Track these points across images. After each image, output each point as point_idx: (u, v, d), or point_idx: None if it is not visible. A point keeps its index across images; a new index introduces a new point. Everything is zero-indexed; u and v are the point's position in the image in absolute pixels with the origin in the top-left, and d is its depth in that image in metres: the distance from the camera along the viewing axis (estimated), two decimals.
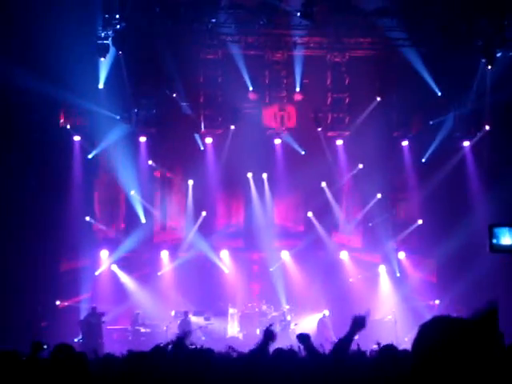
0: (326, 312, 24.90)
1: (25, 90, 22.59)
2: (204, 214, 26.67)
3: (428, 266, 26.69)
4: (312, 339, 8.59)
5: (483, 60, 24.57)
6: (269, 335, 8.67)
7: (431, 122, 26.33)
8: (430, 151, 26.39)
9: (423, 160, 26.57)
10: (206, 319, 24.67)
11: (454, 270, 25.14)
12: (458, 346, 3.01)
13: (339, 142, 26.84)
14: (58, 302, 24.85)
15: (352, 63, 26.11)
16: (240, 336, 24.27)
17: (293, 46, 25.65)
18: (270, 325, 8.96)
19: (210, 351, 6.33)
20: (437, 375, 2.98)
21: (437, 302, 25.52)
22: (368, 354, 9.90)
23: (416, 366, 3.06)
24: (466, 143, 26.37)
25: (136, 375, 5.77)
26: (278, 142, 26.67)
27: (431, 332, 3.11)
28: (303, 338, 8.63)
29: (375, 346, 10.61)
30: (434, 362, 3.01)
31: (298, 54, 25.83)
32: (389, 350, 7.78)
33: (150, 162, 26.50)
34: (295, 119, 26.68)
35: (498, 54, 24.35)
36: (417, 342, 3.13)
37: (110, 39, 24.24)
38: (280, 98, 26.28)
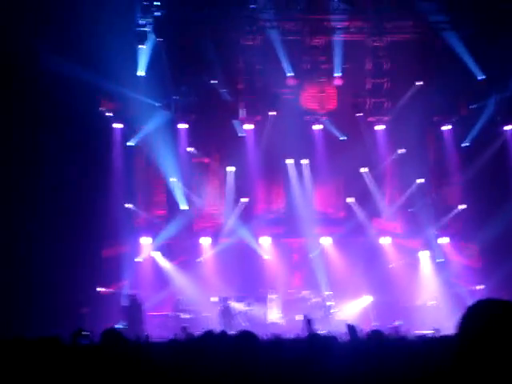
0: (369, 297, 24.90)
1: (65, 77, 22.72)
2: (244, 200, 26.67)
3: (471, 251, 26.45)
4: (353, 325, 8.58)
5: None
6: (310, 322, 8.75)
7: (472, 107, 26.02)
8: (471, 136, 26.12)
9: (464, 145, 26.30)
10: (247, 305, 24.70)
11: (497, 255, 24.90)
12: (505, 328, 2.95)
13: (379, 127, 26.67)
14: (99, 289, 25.05)
15: (392, 48, 25.90)
16: (281, 322, 24.29)
17: (332, 30, 25.53)
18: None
19: (256, 338, 6.31)
20: (484, 358, 2.93)
21: (480, 287, 25.30)
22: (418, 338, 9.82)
23: (462, 349, 3.00)
24: (508, 127, 26.05)
25: (185, 361, 5.78)
26: (317, 127, 26.56)
27: (478, 315, 3.06)
28: (351, 328, 8.69)
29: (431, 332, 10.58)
30: (481, 345, 2.95)
31: (338, 38, 25.68)
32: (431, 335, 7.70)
33: (190, 149, 26.54)
34: (336, 101, 26.54)
35: None
36: (463, 325, 3.07)
37: (149, 26, 24.33)
38: (319, 84, 26.16)
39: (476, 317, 3.06)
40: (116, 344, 6.30)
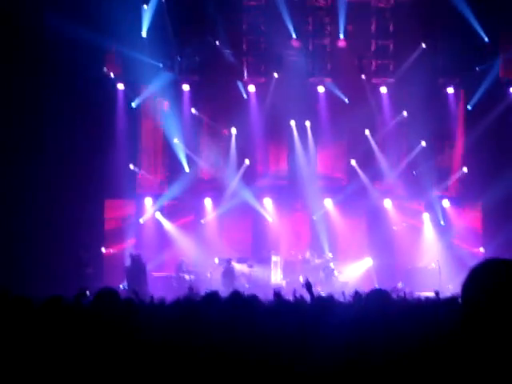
0: (369, 259, 25.03)
1: (69, 38, 22.64)
2: (247, 162, 26.65)
3: (473, 213, 26.48)
4: (356, 287, 8.64)
5: None
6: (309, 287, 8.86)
7: (478, 68, 25.86)
8: (476, 98, 25.98)
9: (469, 107, 26.20)
10: (249, 266, 24.80)
11: (499, 218, 24.98)
12: (510, 287, 2.94)
13: (383, 90, 26.52)
14: (103, 249, 25.19)
15: (397, 9, 25.71)
16: (283, 283, 24.40)
17: None
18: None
19: (258, 299, 6.36)
20: (489, 319, 2.92)
21: (481, 249, 25.38)
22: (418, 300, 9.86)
23: (467, 309, 2.99)
24: None
25: (187, 322, 5.81)
26: (321, 89, 26.45)
27: (483, 275, 3.04)
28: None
29: (432, 294, 10.61)
30: (486, 305, 2.93)
31: None
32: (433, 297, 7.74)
33: (193, 110, 26.48)
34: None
35: None
36: (468, 286, 3.04)
37: None
38: (323, 46, 26.02)
39: (480, 277, 3.03)
40: (108, 305, 6.34)
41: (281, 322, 5.80)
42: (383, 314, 6.60)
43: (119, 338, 5.61)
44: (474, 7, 24.81)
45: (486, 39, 25.18)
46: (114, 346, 5.49)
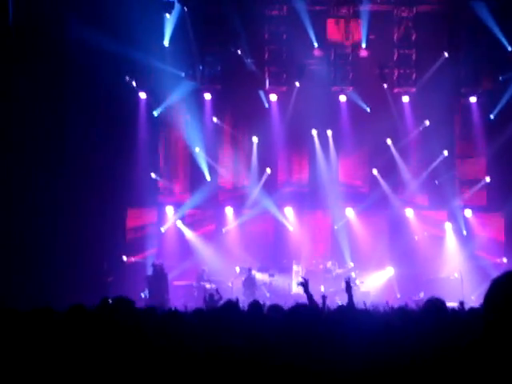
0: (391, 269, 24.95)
1: (92, 46, 22.79)
2: (269, 171, 26.65)
3: (496, 223, 26.30)
4: (377, 297, 8.61)
5: None
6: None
7: (501, 78, 25.73)
8: (498, 108, 25.85)
9: (492, 117, 26.06)
10: (271, 276, 24.76)
11: None
12: None
13: (405, 99, 26.44)
14: (124, 258, 25.25)
15: (419, 18, 25.65)
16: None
17: (358, 0, 25.31)
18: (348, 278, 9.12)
19: (281, 308, 6.34)
20: (510, 330, 2.89)
21: (504, 260, 25.20)
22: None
23: (489, 321, 2.96)
24: None
25: (207, 330, 5.81)
26: (343, 98, 26.42)
27: (503, 287, 3.01)
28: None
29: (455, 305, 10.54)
30: (509, 317, 2.90)
31: (364, 8, 25.49)
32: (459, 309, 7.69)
33: (215, 119, 26.54)
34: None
35: None
36: (489, 297, 3.02)
37: None
38: (345, 55, 26.03)
39: (502, 289, 3.02)
40: (121, 314, 6.33)
41: (299, 330, 5.77)
42: (403, 326, 6.57)
43: (137, 346, 5.61)
44: (497, 16, 24.72)
45: (510, 48, 25.07)
46: (133, 355, 5.49)
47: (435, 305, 7.04)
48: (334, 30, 25.96)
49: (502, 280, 3.05)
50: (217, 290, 18.17)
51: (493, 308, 2.98)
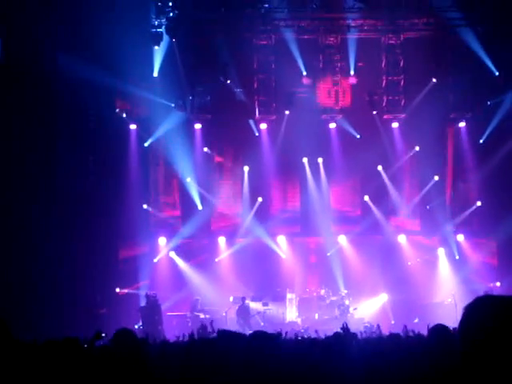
0: (385, 295, 24.91)
1: (81, 79, 22.84)
2: (260, 199, 26.66)
3: (488, 248, 26.32)
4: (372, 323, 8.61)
5: None
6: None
7: (489, 103, 25.88)
8: (488, 132, 25.96)
9: (481, 141, 26.17)
10: (264, 304, 24.71)
11: None
12: (505, 324, 2.89)
13: (395, 125, 26.58)
14: (117, 289, 25.14)
15: (407, 45, 25.84)
16: (299, 321, 24.27)
17: (346, 29, 25.54)
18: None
19: (278, 336, 6.32)
20: (486, 356, 2.87)
21: (497, 284, 25.20)
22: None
23: (465, 350, 2.95)
24: None
25: (200, 361, 5.78)
26: (333, 126, 26.52)
27: (476, 313, 3.00)
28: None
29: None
30: (482, 343, 2.89)
31: (352, 37, 25.70)
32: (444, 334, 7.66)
33: (206, 149, 26.58)
34: (350, 97, 26.50)
35: None
36: (462, 326, 3.02)
37: (163, 27, 24.42)
38: (334, 82, 26.16)
39: (475, 315, 3.00)
40: (127, 345, 6.31)
41: (300, 358, 5.76)
42: (396, 352, 6.56)
43: (139, 378, 5.58)
44: (483, 41, 24.91)
45: (497, 73, 25.25)
46: None
47: (442, 332, 7.03)
48: (322, 58, 26.05)
49: (473, 306, 3.04)
50: (211, 323, 18.05)
51: (467, 337, 2.97)
